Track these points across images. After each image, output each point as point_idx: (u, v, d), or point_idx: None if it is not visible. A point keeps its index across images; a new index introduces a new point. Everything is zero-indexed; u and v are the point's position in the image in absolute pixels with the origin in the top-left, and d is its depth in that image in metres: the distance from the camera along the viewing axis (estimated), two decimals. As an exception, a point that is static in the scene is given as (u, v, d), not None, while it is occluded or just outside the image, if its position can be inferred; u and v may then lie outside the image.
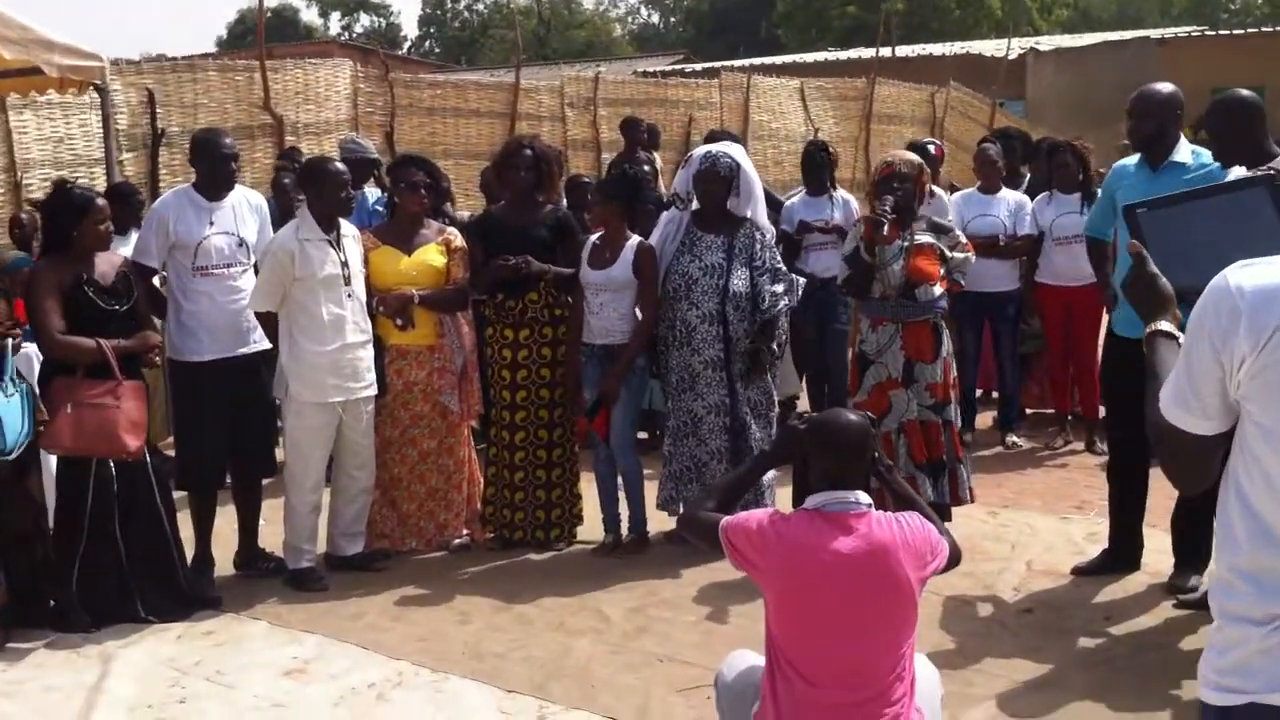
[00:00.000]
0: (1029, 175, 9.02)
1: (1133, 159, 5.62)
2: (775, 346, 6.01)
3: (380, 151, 10.16)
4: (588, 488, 6.39)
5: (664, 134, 13.00)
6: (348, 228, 5.96)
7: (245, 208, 5.98)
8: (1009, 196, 8.21)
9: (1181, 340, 2.21)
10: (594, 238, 6.24)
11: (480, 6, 61.11)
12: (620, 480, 6.22)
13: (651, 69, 25.34)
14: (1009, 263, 8.11)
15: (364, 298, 5.91)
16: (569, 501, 6.36)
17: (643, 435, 7.13)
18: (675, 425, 6.06)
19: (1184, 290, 2.29)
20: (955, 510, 5.79)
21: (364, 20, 63.61)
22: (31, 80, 8.76)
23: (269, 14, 46.69)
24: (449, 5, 62.34)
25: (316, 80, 11.69)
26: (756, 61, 25.51)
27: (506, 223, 6.29)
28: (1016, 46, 24.34)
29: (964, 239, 6.00)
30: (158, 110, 10.21)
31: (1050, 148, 8.37)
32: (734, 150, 6.24)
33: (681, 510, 5.64)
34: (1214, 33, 28.05)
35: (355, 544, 6.07)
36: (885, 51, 19.36)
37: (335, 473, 6.03)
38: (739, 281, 5.92)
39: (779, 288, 5.97)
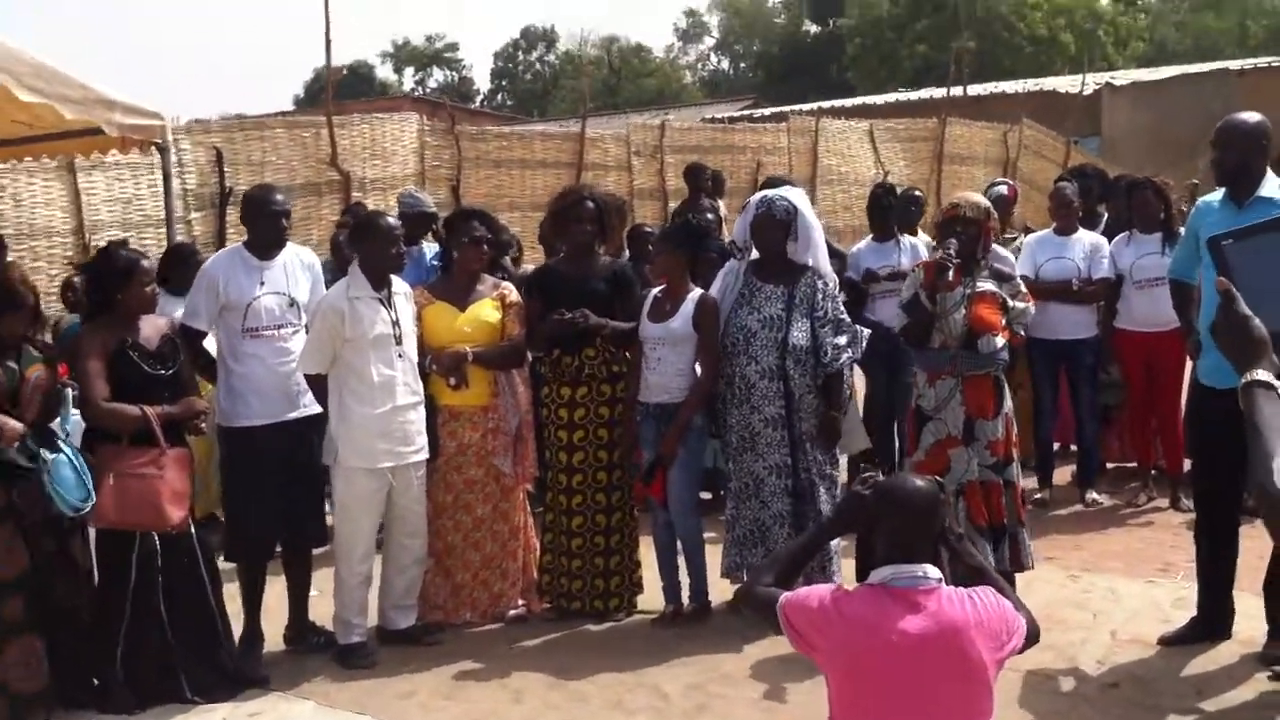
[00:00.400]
0: (1106, 215, 8.69)
1: (1217, 194, 5.31)
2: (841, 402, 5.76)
3: (447, 205, 10.09)
4: (648, 552, 6.14)
5: (731, 180, 12.84)
6: (399, 284, 5.78)
7: (297, 266, 5.82)
8: (1085, 238, 7.82)
9: None
10: (655, 290, 6.04)
11: (551, 58, 61.69)
12: (680, 547, 5.97)
13: (719, 115, 25.22)
14: (1085, 308, 7.71)
15: (415, 358, 5.72)
16: (628, 569, 6.12)
17: (706, 495, 6.88)
18: (737, 487, 5.81)
19: None
20: (1034, 574, 5.49)
21: (437, 75, 64.52)
22: (94, 140, 8.75)
23: (344, 71, 47.54)
24: (520, 58, 62.99)
25: (383, 135, 11.70)
26: (825, 104, 25.34)
27: (565, 276, 6.12)
28: (1091, 82, 23.93)
29: (1024, 289, 5.72)
30: (226, 169, 10.25)
31: (1130, 185, 8.02)
32: (792, 194, 6.00)
33: (745, 578, 5.39)
34: (1297, 63, 27.35)
35: (407, 617, 5.85)
36: (957, 90, 19.08)
37: (386, 541, 5.80)
38: (799, 334, 5.67)
39: (841, 340, 5.72)
